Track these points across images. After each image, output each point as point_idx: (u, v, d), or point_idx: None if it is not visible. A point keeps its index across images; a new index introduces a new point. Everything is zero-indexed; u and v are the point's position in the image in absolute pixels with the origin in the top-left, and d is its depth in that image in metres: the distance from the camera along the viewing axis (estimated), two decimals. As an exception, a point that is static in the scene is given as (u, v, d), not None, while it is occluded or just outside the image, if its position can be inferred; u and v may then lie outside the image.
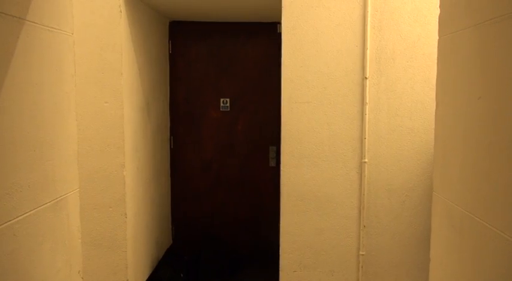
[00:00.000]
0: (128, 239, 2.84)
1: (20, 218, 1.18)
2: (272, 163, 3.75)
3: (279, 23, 2.89)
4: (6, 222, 1.13)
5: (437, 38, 1.44)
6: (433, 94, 2.57)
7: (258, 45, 3.75)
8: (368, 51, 2.64)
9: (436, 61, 1.74)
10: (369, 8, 2.62)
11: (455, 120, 1.30)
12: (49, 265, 1.35)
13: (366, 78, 2.65)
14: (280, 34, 2.76)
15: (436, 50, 1.53)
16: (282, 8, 2.67)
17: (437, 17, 1.45)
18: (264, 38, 3.72)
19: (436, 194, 1.43)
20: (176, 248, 3.94)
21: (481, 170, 1.13)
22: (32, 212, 1.25)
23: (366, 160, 2.71)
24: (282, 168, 2.76)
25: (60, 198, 1.41)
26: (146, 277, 3.29)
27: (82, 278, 1.60)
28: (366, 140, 2.69)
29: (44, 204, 1.31)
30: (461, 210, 1.23)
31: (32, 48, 1.23)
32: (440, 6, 1.41)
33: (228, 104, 3.72)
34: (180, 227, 3.96)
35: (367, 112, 2.68)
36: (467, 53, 1.22)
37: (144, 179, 3.20)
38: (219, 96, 3.74)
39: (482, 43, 1.14)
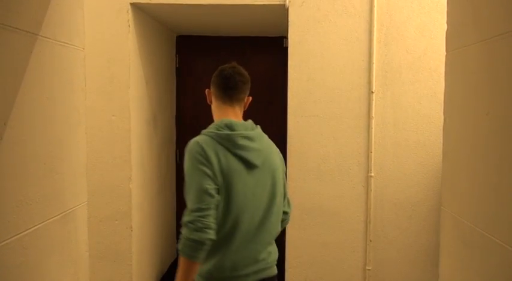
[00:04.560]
0: (133, 252, 2.83)
1: (29, 231, 1.19)
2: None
3: (286, 37, 2.92)
4: (15, 235, 1.13)
5: (445, 53, 1.45)
6: (439, 108, 2.57)
7: (264, 59, 3.78)
8: (374, 66, 2.65)
9: (442, 75, 1.74)
10: (375, 23, 2.64)
11: (463, 135, 1.30)
12: (56, 278, 1.34)
13: (372, 92, 2.66)
14: (286, 48, 2.78)
15: (442, 64, 1.54)
16: (289, 23, 2.69)
17: (443, 31, 1.46)
18: (270, 52, 3.75)
19: (445, 209, 1.42)
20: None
21: (490, 186, 1.12)
22: (40, 225, 1.25)
23: (372, 174, 2.70)
24: (288, 181, 2.75)
25: (68, 211, 1.42)
26: (151, 290, 3.27)
27: (88, 291, 1.59)
28: (372, 154, 2.68)
29: (52, 217, 1.32)
30: (471, 225, 1.22)
31: (44, 62, 1.25)
32: (447, 22, 1.42)
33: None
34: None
35: (373, 126, 2.68)
36: (475, 69, 1.22)
37: (149, 192, 3.20)
38: (225, 110, 3.75)
39: (490, 58, 1.14)
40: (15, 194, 1.13)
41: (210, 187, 1.50)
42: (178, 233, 4.14)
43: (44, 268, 1.27)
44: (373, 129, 2.68)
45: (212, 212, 1.48)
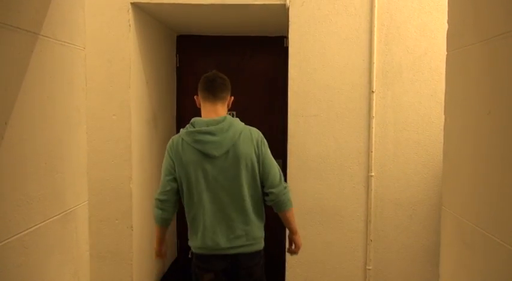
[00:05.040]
0: (133, 252, 2.84)
1: (30, 230, 1.19)
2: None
3: (286, 37, 2.92)
4: (16, 234, 1.13)
5: (445, 52, 1.45)
6: (439, 108, 2.58)
7: (264, 59, 3.78)
8: (375, 65, 2.65)
9: (443, 75, 1.74)
10: (376, 23, 2.64)
11: (464, 135, 1.30)
12: (57, 277, 1.34)
13: (373, 92, 2.66)
14: (287, 48, 2.78)
15: (443, 63, 1.54)
16: (289, 22, 2.69)
17: (444, 31, 1.46)
18: (270, 51, 3.74)
19: (446, 209, 1.42)
20: (181, 261, 3.91)
21: (491, 185, 1.12)
22: (41, 224, 1.25)
23: (373, 174, 2.70)
24: (288, 181, 2.75)
25: (69, 210, 1.42)
26: (151, 290, 3.27)
27: (89, 291, 1.59)
28: (373, 153, 2.68)
29: (53, 216, 1.32)
30: (472, 225, 1.22)
31: (44, 62, 1.25)
32: (448, 22, 1.42)
33: (234, 117, 3.73)
34: (185, 240, 3.94)
35: (373, 126, 2.68)
36: (476, 68, 1.22)
37: (150, 192, 3.20)
38: (225, 109, 3.76)
39: (491, 58, 1.14)
40: (15, 193, 1.13)
41: (168, 177, 1.99)
42: (178, 232, 4.15)
43: (45, 268, 1.27)
44: (373, 129, 2.68)
45: (169, 197, 2.00)
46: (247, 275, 2.02)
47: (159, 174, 3.41)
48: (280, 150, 3.54)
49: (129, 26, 2.71)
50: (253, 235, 2.01)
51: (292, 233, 2.20)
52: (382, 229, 2.73)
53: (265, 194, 2.05)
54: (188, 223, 2.04)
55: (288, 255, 2.81)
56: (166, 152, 2.01)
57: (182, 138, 1.97)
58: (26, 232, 1.17)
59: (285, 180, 2.77)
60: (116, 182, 2.76)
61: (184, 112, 3.84)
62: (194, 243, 2.02)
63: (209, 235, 1.95)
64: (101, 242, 2.79)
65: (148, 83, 3.12)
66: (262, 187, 2.04)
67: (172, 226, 3.88)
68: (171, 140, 2.03)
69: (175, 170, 1.97)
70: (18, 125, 1.13)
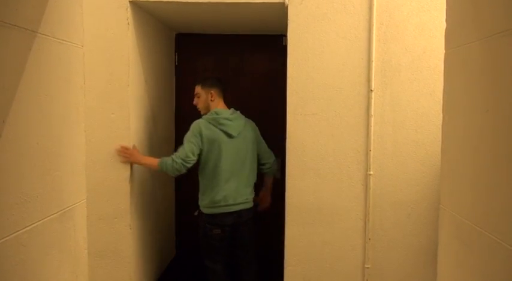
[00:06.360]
0: (132, 250, 2.84)
1: (28, 228, 1.19)
2: (277, 175, 3.74)
3: (285, 35, 2.91)
4: (14, 232, 1.13)
5: (444, 51, 1.45)
6: (438, 107, 2.58)
7: (263, 57, 3.77)
8: (373, 64, 2.65)
9: (441, 74, 1.74)
10: (374, 21, 2.63)
11: (462, 133, 1.30)
12: (55, 275, 1.34)
13: (372, 90, 2.66)
14: (285, 46, 2.78)
15: (441, 62, 1.54)
16: (288, 21, 2.69)
17: (443, 29, 1.46)
18: (269, 50, 3.74)
19: (444, 208, 1.43)
20: (180, 259, 3.92)
21: (490, 184, 1.13)
22: (39, 222, 1.25)
23: (371, 172, 2.70)
24: (286, 180, 2.75)
25: (67, 209, 1.42)
26: (150, 288, 3.27)
27: (87, 289, 1.59)
28: (371, 152, 2.68)
29: (51, 214, 1.32)
30: (470, 224, 1.22)
31: (43, 60, 1.25)
32: (446, 20, 1.42)
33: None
34: (184, 238, 3.94)
35: (372, 124, 2.68)
36: (475, 66, 1.22)
37: (149, 190, 3.20)
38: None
39: (489, 57, 1.14)
40: (13, 191, 1.13)
41: (195, 150, 2.65)
42: (177, 231, 4.14)
43: (42, 266, 1.27)
44: (372, 128, 2.68)
45: (190, 165, 2.67)
46: (246, 224, 2.80)
47: (158, 172, 3.42)
48: (279, 148, 3.53)
49: (128, 24, 2.71)
50: (250, 196, 2.80)
51: (269, 191, 3.06)
52: (381, 228, 2.73)
53: (261, 164, 2.92)
54: (204, 186, 2.73)
55: (286, 254, 2.82)
56: (192, 131, 2.67)
57: (208, 122, 2.70)
58: (23, 230, 1.17)
59: (284, 179, 2.79)
60: (115, 181, 2.76)
61: (183, 110, 3.84)
62: (211, 199, 2.68)
63: (220, 193, 2.67)
64: (99, 240, 2.79)
65: (147, 82, 3.11)
66: (258, 160, 2.87)
67: (171, 224, 3.88)
68: (196, 123, 2.71)
69: (199, 147, 2.65)
70: (15, 123, 1.13)
